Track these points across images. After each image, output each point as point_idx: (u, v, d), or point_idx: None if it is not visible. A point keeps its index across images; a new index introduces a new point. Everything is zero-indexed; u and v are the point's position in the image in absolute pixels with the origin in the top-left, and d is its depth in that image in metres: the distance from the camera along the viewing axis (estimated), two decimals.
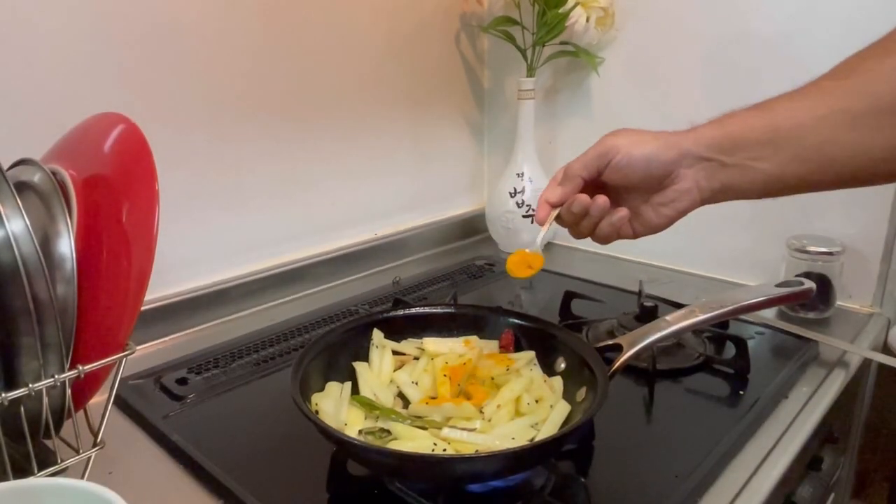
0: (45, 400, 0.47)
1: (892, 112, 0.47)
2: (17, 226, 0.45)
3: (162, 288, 0.83)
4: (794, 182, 0.52)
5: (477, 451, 0.50)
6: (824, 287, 0.85)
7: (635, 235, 0.59)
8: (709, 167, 0.53)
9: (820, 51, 0.80)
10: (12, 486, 0.38)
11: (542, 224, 0.58)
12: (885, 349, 0.86)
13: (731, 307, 0.60)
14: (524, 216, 1.11)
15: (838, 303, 0.87)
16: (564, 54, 1.07)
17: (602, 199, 0.56)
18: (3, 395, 0.43)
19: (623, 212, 0.56)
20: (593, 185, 0.57)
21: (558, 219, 0.58)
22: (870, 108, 0.48)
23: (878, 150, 0.48)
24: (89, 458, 0.51)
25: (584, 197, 0.56)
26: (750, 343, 0.71)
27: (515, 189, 1.10)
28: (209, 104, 0.84)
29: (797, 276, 0.84)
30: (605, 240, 0.58)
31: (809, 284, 0.63)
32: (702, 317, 0.60)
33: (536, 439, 0.52)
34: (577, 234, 0.59)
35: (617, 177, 0.55)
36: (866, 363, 0.81)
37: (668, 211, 0.56)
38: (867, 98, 0.48)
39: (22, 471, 0.48)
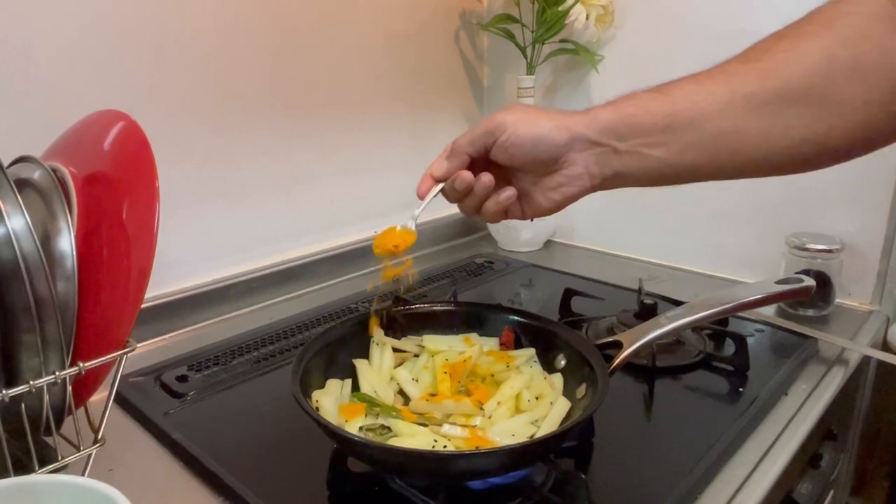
0: (46, 397, 0.47)
1: (800, 99, 0.45)
2: (18, 223, 0.45)
3: (162, 285, 0.83)
4: (691, 170, 0.50)
5: (477, 447, 0.51)
6: (824, 284, 0.85)
7: (525, 217, 0.57)
8: (601, 153, 0.51)
9: None
10: (14, 483, 0.38)
11: (421, 198, 0.56)
12: (885, 346, 0.86)
13: (730, 304, 0.60)
14: None
15: (838, 300, 0.87)
16: (564, 52, 1.07)
17: (486, 178, 0.54)
18: (4, 391, 0.43)
19: (509, 191, 0.54)
20: (484, 162, 0.55)
21: (444, 194, 0.57)
22: (777, 93, 0.45)
23: (782, 139, 0.46)
24: (90, 455, 0.51)
25: (468, 174, 0.54)
26: (749, 340, 0.72)
27: None
28: (209, 101, 0.84)
29: (797, 273, 0.84)
30: (492, 218, 0.56)
31: (809, 282, 0.63)
32: (701, 314, 0.59)
33: (536, 436, 0.52)
34: (464, 211, 0.58)
35: (503, 156, 0.53)
36: (865, 360, 0.81)
37: (557, 196, 0.54)
38: (775, 82, 0.45)
39: (23, 467, 0.48)
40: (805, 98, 0.45)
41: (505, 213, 0.57)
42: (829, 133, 0.45)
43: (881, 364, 0.89)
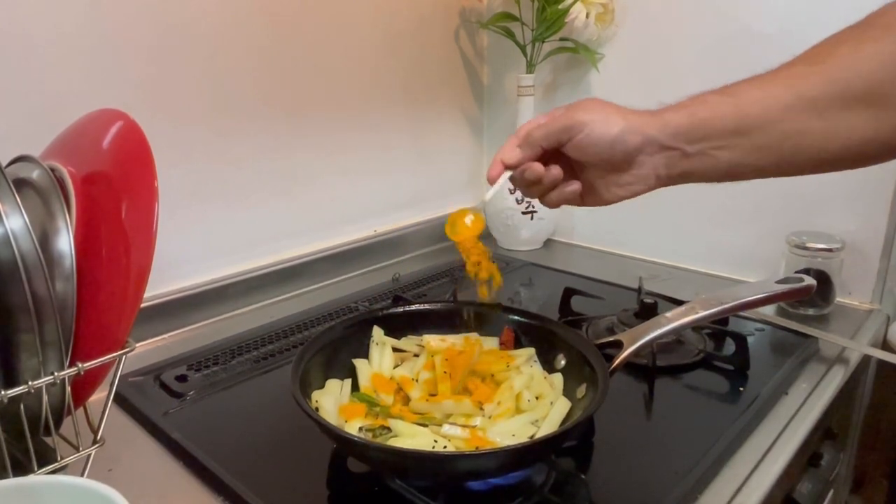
0: (45, 397, 0.47)
1: (864, 101, 0.46)
2: (16, 223, 0.44)
3: (161, 285, 0.83)
4: (755, 170, 0.51)
5: (477, 448, 0.50)
6: (824, 283, 0.85)
7: (582, 205, 0.58)
8: (671, 156, 0.52)
9: None
10: (12, 484, 0.38)
11: (492, 183, 0.57)
12: (885, 345, 0.86)
13: (731, 304, 0.60)
14: (524, 213, 1.11)
15: (838, 299, 0.87)
16: (564, 50, 1.07)
17: (556, 171, 0.55)
18: (3, 392, 0.43)
19: (575, 185, 0.56)
20: (554, 153, 0.56)
21: (511, 180, 0.58)
22: (841, 95, 0.47)
23: (846, 140, 0.48)
24: (89, 455, 0.51)
25: (539, 167, 0.55)
26: (750, 339, 0.72)
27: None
28: (208, 100, 0.84)
29: (797, 272, 0.84)
30: (551, 205, 0.58)
31: (810, 281, 0.63)
32: (702, 313, 0.59)
33: (537, 436, 0.52)
34: (526, 195, 0.60)
35: (576, 153, 0.54)
36: (865, 360, 0.81)
37: (622, 192, 0.55)
38: (838, 86, 0.47)
39: (22, 468, 0.48)
40: (869, 100, 0.46)
41: (565, 202, 0.58)
42: (893, 133, 0.47)
43: (881, 363, 0.89)
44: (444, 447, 0.51)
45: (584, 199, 0.58)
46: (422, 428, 0.53)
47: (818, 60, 0.49)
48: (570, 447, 0.57)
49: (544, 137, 0.55)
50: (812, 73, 0.48)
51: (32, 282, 0.44)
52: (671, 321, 0.59)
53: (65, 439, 0.52)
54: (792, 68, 0.50)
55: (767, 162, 0.50)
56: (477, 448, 0.50)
